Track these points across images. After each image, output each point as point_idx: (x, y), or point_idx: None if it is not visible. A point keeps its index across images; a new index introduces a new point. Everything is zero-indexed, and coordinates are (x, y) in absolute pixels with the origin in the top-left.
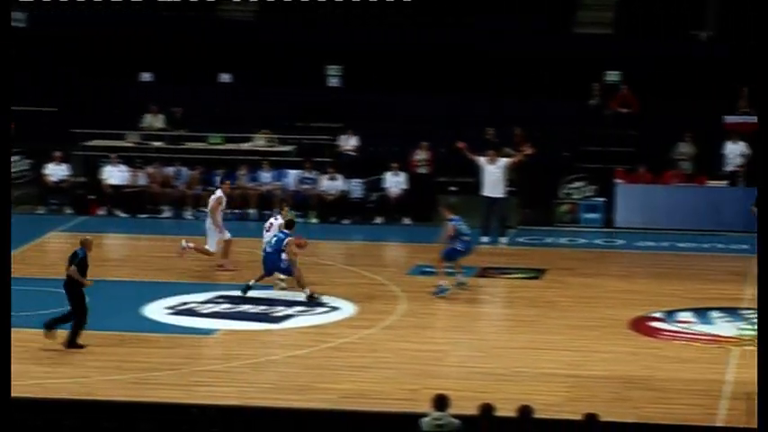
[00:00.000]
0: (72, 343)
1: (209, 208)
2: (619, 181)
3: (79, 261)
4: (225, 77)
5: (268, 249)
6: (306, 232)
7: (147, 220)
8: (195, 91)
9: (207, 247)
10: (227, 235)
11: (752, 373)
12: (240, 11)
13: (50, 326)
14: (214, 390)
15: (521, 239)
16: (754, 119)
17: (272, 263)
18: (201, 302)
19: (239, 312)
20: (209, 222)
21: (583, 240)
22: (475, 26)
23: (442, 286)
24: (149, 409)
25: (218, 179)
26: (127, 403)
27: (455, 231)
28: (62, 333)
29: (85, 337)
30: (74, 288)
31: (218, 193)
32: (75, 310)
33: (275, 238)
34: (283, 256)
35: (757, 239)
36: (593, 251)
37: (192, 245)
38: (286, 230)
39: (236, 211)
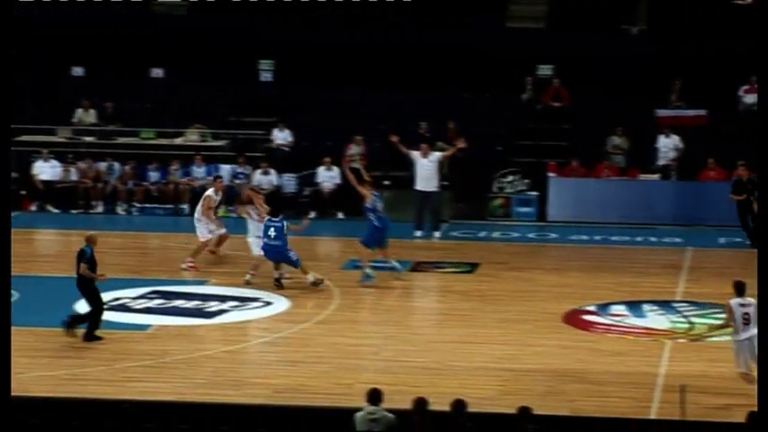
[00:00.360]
0: (90, 336)
1: (199, 209)
2: (551, 175)
3: (89, 258)
4: (157, 72)
5: (271, 241)
6: (238, 227)
7: (80, 216)
8: (127, 86)
9: (199, 239)
10: (224, 230)
11: (684, 366)
12: (172, 6)
13: (71, 325)
14: (147, 385)
15: (454, 233)
16: (687, 112)
17: (279, 252)
18: (134, 298)
19: (172, 308)
20: (197, 215)
21: (516, 234)
22: (408, 21)
23: (367, 273)
24: (81, 405)
25: (152, 172)
26: (58, 399)
27: (372, 203)
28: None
29: (15, 333)
30: (86, 285)
31: (209, 191)
32: (92, 308)
33: (272, 228)
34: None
35: (758, 239)
36: (526, 245)
37: (190, 261)
38: (273, 218)
39: (169, 206)
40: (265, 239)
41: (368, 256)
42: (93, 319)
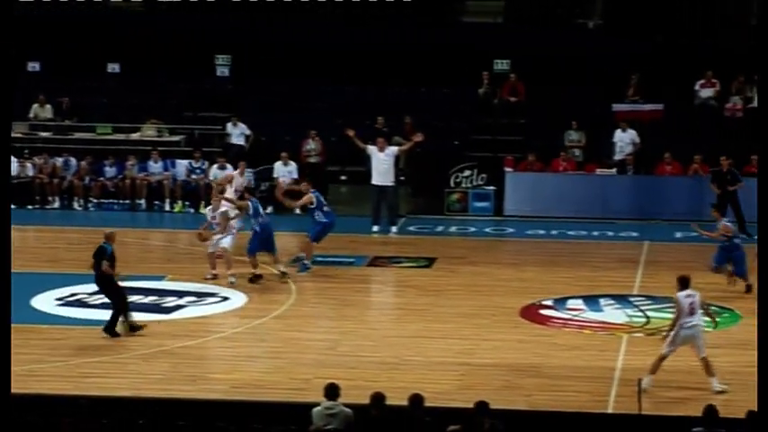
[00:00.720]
0: (110, 330)
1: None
2: (508, 169)
3: (109, 256)
4: (113, 67)
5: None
6: (196, 222)
7: (36, 211)
8: (83, 81)
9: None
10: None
11: (641, 360)
12: (129, 2)
13: (110, 329)
14: (104, 381)
15: (411, 228)
16: (644, 107)
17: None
18: (91, 294)
19: (129, 303)
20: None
21: (473, 229)
22: (366, 17)
23: (303, 262)
24: (37, 401)
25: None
26: (15, 396)
27: (315, 201)
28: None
29: None
30: (107, 282)
31: (234, 172)
32: (115, 301)
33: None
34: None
35: (758, 239)
36: (483, 240)
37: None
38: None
39: (125, 201)
40: (260, 219)
41: (311, 251)
42: (115, 315)
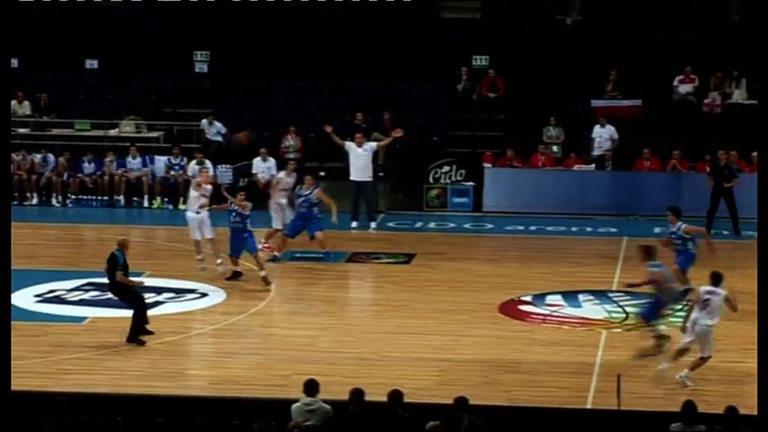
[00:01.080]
0: (133, 338)
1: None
2: (487, 165)
3: (122, 265)
4: (92, 63)
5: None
6: (174, 219)
7: (15, 208)
8: (61, 77)
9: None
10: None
11: (620, 355)
12: None
13: (133, 339)
14: (83, 377)
15: (390, 224)
16: (622, 102)
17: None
18: (69, 290)
19: (108, 299)
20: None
21: (452, 225)
22: (344, 12)
23: (276, 255)
24: (16, 398)
25: (87, 164)
26: None
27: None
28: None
29: None
30: (122, 289)
31: (280, 174)
32: (135, 308)
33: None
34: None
35: (758, 239)
36: (462, 235)
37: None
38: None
39: (104, 197)
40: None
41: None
42: (136, 324)
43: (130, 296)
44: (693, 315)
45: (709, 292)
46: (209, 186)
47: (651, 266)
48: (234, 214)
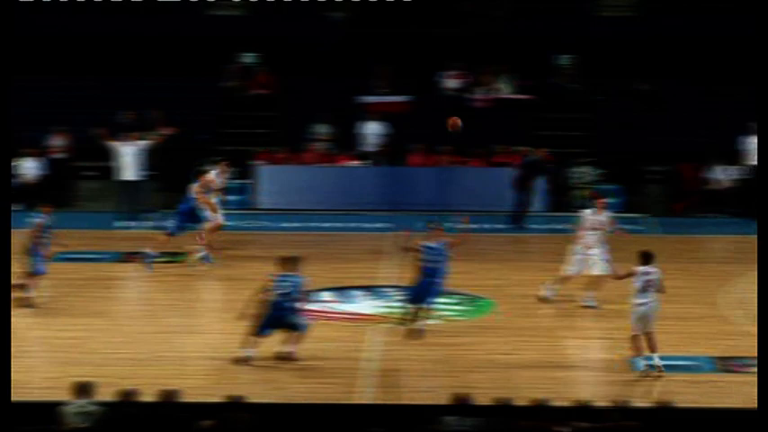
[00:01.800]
0: None
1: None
2: (259, 163)
3: None
4: None
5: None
6: None
7: None
8: None
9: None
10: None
11: (392, 350)
12: None
13: None
14: None
15: (161, 223)
16: (392, 98)
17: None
18: None
19: None
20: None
21: (227, 223)
22: (114, 7)
23: (204, 255)
24: None
25: None
26: None
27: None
28: None
29: None
30: None
31: (211, 173)
32: None
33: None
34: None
35: (758, 238)
36: (236, 233)
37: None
38: None
39: None
40: None
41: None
42: None
43: None
44: (637, 300)
45: (646, 273)
46: None
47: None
48: None
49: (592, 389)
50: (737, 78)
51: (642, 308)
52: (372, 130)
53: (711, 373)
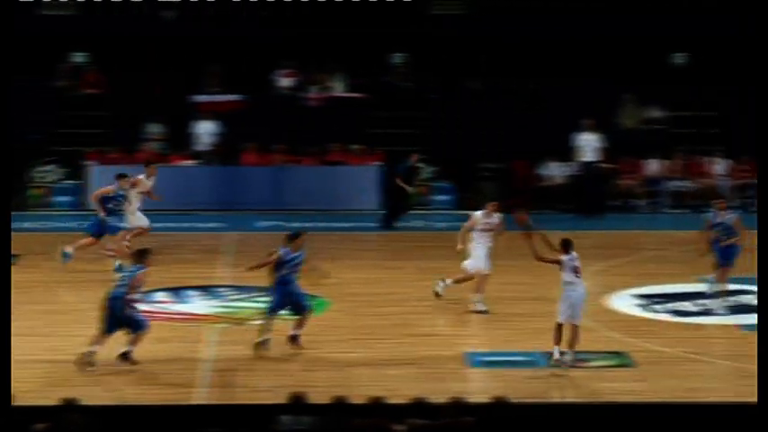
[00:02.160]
0: None
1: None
2: (91, 163)
3: None
4: None
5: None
6: None
7: None
8: None
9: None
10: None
11: (228, 350)
12: None
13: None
14: None
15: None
16: (224, 97)
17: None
18: None
19: None
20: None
21: (57, 224)
22: None
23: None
24: None
25: None
26: None
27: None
28: None
29: None
30: None
31: (141, 176)
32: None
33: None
34: None
35: (758, 239)
36: (66, 234)
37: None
38: None
39: None
40: None
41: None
42: None
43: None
44: (571, 285)
45: (571, 259)
46: None
47: None
48: None
49: (429, 385)
50: (570, 76)
51: (574, 293)
52: (205, 130)
53: (546, 368)
